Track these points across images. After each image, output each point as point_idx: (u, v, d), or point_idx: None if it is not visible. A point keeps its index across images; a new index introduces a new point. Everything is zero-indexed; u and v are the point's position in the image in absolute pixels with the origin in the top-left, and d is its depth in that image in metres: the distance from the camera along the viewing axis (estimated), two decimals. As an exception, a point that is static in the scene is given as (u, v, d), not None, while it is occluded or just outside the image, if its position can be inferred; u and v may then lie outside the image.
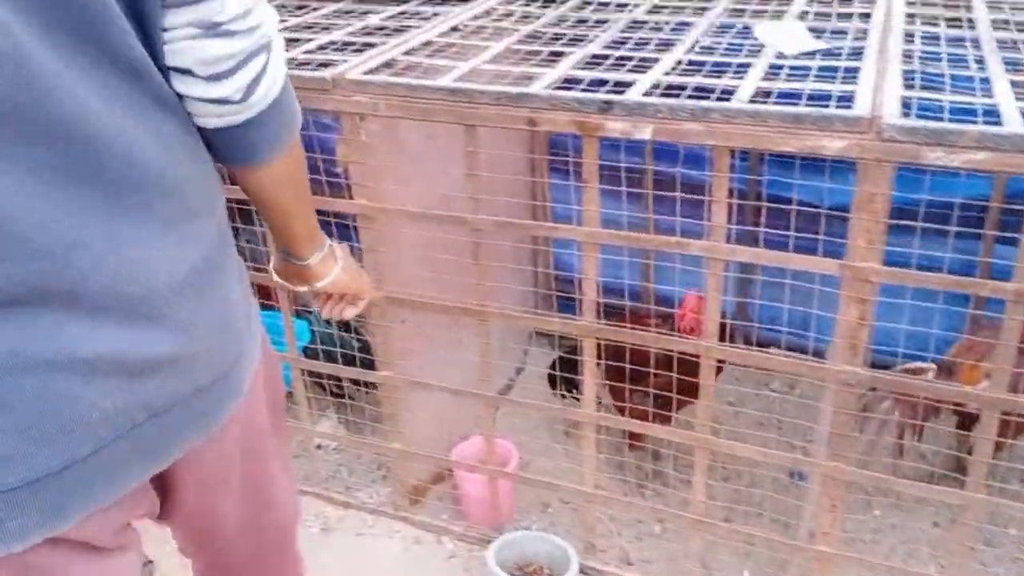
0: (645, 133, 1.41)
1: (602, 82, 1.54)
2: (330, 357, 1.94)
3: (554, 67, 1.61)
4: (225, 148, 0.88)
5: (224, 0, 0.78)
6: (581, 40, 1.81)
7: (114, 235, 0.75)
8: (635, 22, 1.94)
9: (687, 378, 1.67)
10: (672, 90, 1.49)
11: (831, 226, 1.58)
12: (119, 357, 0.77)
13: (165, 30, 0.78)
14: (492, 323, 1.73)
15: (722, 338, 1.55)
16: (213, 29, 0.79)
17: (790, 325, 1.86)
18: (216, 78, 0.81)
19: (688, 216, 1.78)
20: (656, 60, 1.64)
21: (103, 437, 0.78)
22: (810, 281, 1.54)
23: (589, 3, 2.15)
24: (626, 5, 2.11)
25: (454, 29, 1.93)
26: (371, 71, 1.62)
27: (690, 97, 1.43)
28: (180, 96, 0.82)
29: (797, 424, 1.96)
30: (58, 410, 0.75)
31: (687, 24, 1.91)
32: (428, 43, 1.81)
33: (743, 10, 2.00)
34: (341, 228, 1.77)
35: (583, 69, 1.61)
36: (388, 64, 1.68)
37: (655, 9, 2.07)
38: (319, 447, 2.22)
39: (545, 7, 2.13)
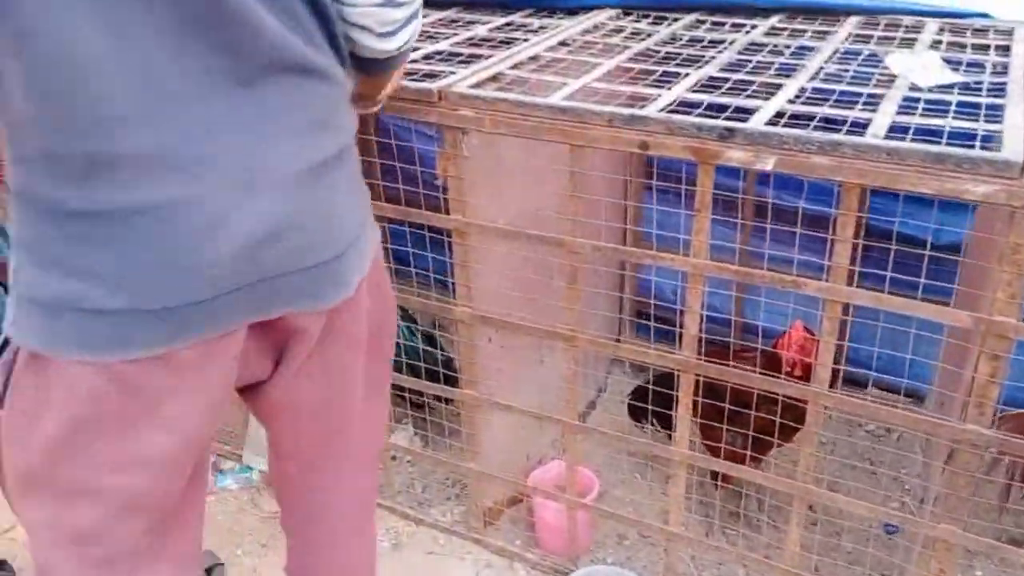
0: (768, 164, 1.33)
1: (720, 107, 1.47)
2: (412, 370, 1.90)
3: (669, 89, 1.54)
4: (366, 66, 1.13)
5: None
6: (696, 61, 1.73)
7: (261, 128, 0.93)
8: (753, 44, 1.86)
9: (786, 421, 1.58)
10: (797, 119, 1.41)
11: (936, 265, 1.47)
12: (251, 222, 0.93)
13: (352, 4, 1.02)
14: (580, 349, 1.66)
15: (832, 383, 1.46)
16: (392, 1, 1.04)
17: (880, 362, 1.76)
18: (387, 35, 1.08)
19: (787, 245, 1.69)
20: (779, 86, 1.55)
21: (220, 288, 0.94)
22: (905, 320, 1.44)
23: (703, 22, 2.07)
24: (743, 26, 2.02)
25: (562, 44, 1.87)
26: (477, 84, 1.58)
27: (818, 128, 1.34)
28: (349, 39, 1.05)
29: (893, 470, 1.84)
30: (195, 259, 0.91)
31: (809, 49, 1.82)
32: (535, 57, 1.76)
33: (868, 36, 1.89)
34: (435, 244, 1.73)
35: (699, 92, 1.53)
36: (495, 78, 1.63)
37: (773, 31, 1.98)
38: (394, 458, 2.18)
39: (656, 24, 2.06)
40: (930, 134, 1.33)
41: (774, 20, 2.07)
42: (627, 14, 2.16)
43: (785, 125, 1.37)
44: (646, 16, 2.13)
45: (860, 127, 1.35)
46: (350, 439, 1.27)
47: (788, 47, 1.84)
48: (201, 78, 0.89)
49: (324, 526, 1.35)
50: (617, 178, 2.22)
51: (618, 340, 2.47)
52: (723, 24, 2.05)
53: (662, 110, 1.44)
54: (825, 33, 1.94)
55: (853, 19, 2.04)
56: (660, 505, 1.96)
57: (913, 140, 1.29)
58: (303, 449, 1.25)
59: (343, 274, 1.06)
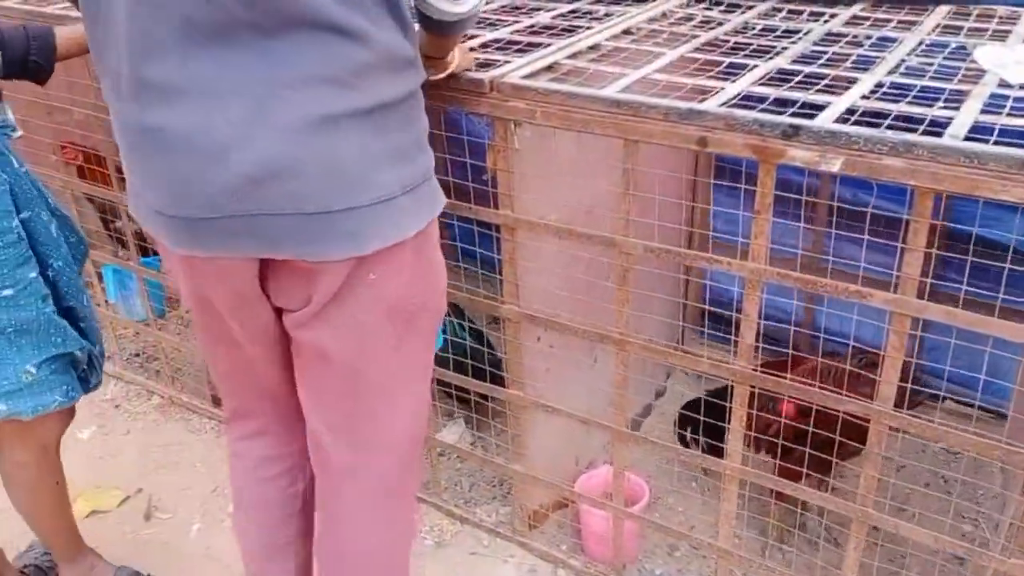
0: (834, 166, 1.23)
1: (788, 102, 1.37)
2: (459, 366, 1.86)
3: (734, 82, 1.45)
4: (433, 27, 1.22)
5: None
6: (767, 52, 1.63)
7: (271, 76, 1.01)
8: (830, 34, 1.74)
9: (848, 441, 1.48)
10: (871, 117, 1.30)
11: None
12: (252, 159, 1.02)
13: None
14: (631, 354, 1.59)
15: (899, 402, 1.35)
16: None
17: (958, 375, 1.63)
18: (457, 2, 1.17)
19: (868, 249, 1.58)
20: (853, 80, 1.44)
21: (222, 211, 1.05)
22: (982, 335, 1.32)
23: (779, 10, 1.96)
24: (821, 15, 1.91)
25: (626, 32, 1.79)
26: (531, 75, 1.51)
27: (892, 127, 1.24)
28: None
29: (968, 492, 1.71)
30: (205, 180, 1.04)
31: (891, 40, 1.69)
32: (596, 47, 1.68)
33: (958, 28, 1.75)
34: (483, 237, 1.68)
35: (766, 85, 1.44)
36: (551, 67, 1.57)
37: (855, 20, 1.86)
38: (441, 455, 2.15)
39: (729, 12, 1.96)
40: (1019, 136, 1.21)
41: (856, 8, 1.94)
42: (699, 1, 2.07)
43: (856, 123, 1.27)
44: (719, 3, 2.03)
45: (939, 127, 1.23)
46: (376, 412, 1.28)
47: (869, 38, 1.72)
48: (225, 26, 0.99)
49: (343, 504, 1.35)
50: (680, 176, 2.13)
51: (678, 345, 2.39)
52: (800, 12, 1.94)
53: (723, 104, 1.35)
54: (911, 23, 1.81)
55: (942, 9, 1.90)
56: (712, 518, 1.87)
57: (997, 142, 1.18)
58: (327, 407, 1.29)
59: (354, 231, 1.09)
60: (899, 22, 1.83)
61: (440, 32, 1.24)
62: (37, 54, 1.58)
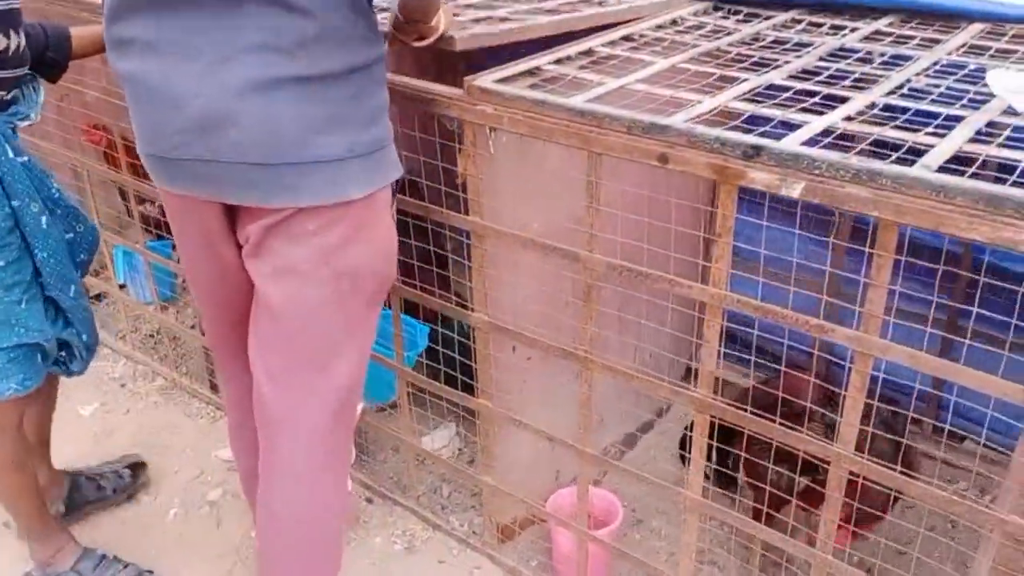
0: (794, 191, 1.15)
1: (764, 119, 1.29)
2: (431, 372, 1.82)
3: (713, 95, 1.37)
4: None
5: None
6: (766, 65, 1.55)
7: (226, 40, 1.15)
8: (843, 49, 1.64)
9: (811, 483, 1.39)
10: (848, 141, 1.21)
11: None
12: (201, 108, 1.18)
13: None
14: (595, 373, 1.52)
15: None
16: None
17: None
18: None
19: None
20: (844, 100, 1.35)
21: (181, 153, 1.22)
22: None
23: (799, 21, 1.86)
24: (842, 28, 1.80)
25: (626, 39, 1.72)
26: (506, 79, 1.46)
27: (867, 152, 1.15)
28: None
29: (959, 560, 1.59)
30: (167, 123, 1.21)
31: (905, 58, 1.58)
32: (588, 52, 1.62)
33: (985, 49, 1.63)
34: (456, 243, 1.63)
35: (748, 101, 1.36)
36: (532, 72, 1.51)
37: (875, 36, 1.75)
38: (422, 461, 2.12)
39: (744, 22, 1.87)
40: (1004, 169, 1.11)
41: (883, 23, 1.83)
42: (717, 9, 1.98)
43: (829, 146, 1.19)
44: (736, 12, 1.94)
45: (916, 155, 1.14)
46: (313, 363, 1.35)
47: (883, 55, 1.61)
48: None
49: (277, 458, 1.41)
50: (697, 197, 2.04)
51: (689, 364, 2.30)
52: (820, 25, 1.83)
53: (693, 119, 1.27)
54: (935, 41, 1.70)
55: (975, 27, 1.77)
56: (703, 543, 1.79)
57: (976, 175, 1.08)
58: (268, 354, 1.37)
59: (292, 184, 1.20)
60: (923, 40, 1.71)
61: None
62: (54, 51, 1.62)
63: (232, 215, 1.31)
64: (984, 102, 1.34)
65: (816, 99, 1.37)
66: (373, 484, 2.08)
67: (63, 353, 1.70)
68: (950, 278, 1.92)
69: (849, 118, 1.28)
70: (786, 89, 1.42)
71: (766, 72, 1.49)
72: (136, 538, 1.96)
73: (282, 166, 1.19)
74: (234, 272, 1.38)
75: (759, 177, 1.18)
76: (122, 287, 2.65)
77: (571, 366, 1.55)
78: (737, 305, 1.29)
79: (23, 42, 1.50)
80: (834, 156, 1.12)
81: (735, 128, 1.24)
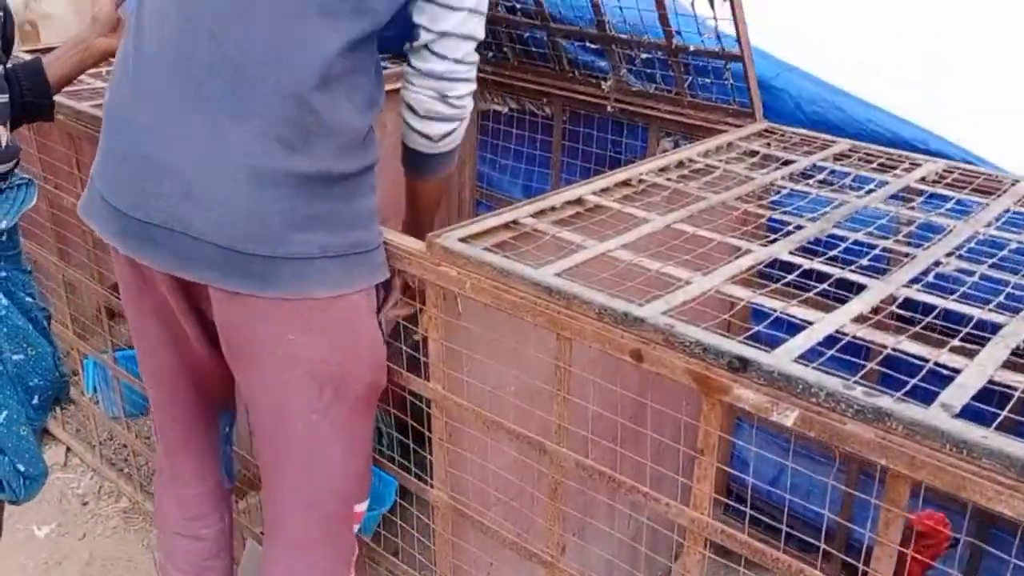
0: (787, 419, 0.95)
1: (764, 314, 1.10)
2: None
3: (709, 272, 1.19)
4: (408, 160, 1.37)
5: None
6: (776, 229, 1.37)
7: (221, 128, 1.15)
8: (861, 213, 1.45)
9: None
10: (857, 352, 1.02)
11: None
12: (191, 180, 1.16)
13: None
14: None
15: None
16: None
17: None
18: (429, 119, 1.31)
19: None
20: (860, 288, 1.16)
21: (152, 216, 1.19)
22: None
23: (820, 169, 1.68)
24: (870, 181, 1.61)
25: (624, 184, 1.56)
26: (475, 236, 1.30)
27: (877, 374, 0.95)
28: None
29: None
30: (147, 180, 1.19)
31: (936, 230, 1.39)
32: (577, 201, 1.45)
33: (1030, 218, 1.43)
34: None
35: (743, 284, 1.17)
36: (508, 226, 1.35)
37: (905, 194, 1.56)
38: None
39: (759, 167, 1.69)
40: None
41: (918, 175, 1.63)
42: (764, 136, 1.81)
43: (835, 357, 0.99)
44: (754, 152, 1.76)
45: (939, 380, 0.94)
46: (298, 471, 1.33)
47: (911, 222, 1.42)
48: (216, 61, 1.16)
49: (264, 561, 1.44)
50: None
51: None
52: (846, 176, 1.64)
53: (676, 309, 1.09)
54: (976, 206, 1.50)
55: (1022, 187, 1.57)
56: None
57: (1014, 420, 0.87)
58: (258, 452, 1.39)
59: (260, 274, 1.17)
60: (956, 205, 1.51)
61: (412, 168, 1.37)
62: (33, 93, 1.51)
63: (187, 293, 1.28)
64: (1027, 300, 1.14)
65: (828, 283, 1.19)
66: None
67: None
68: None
69: (861, 318, 1.08)
70: (792, 268, 1.23)
71: (772, 241, 1.31)
72: None
73: (253, 256, 1.16)
74: (187, 347, 1.36)
75: (747, 396, 0.98)
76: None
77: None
78: (721, 537, 1.08)
79: (3, 139, 1.42)
80: (834, 384, 0.92)
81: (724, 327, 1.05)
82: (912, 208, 1.49)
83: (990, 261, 1.26)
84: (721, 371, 1.00)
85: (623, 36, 2.05)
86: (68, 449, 2.51)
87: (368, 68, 1.21)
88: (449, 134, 1.30)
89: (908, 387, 0.94)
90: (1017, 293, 1.17)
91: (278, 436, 1.32)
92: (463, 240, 1.28)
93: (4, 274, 1.53)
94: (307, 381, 1.25)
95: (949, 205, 1.51)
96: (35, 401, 1.58)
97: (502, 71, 2.39)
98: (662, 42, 1.98)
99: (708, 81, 1.96)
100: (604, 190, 1.51)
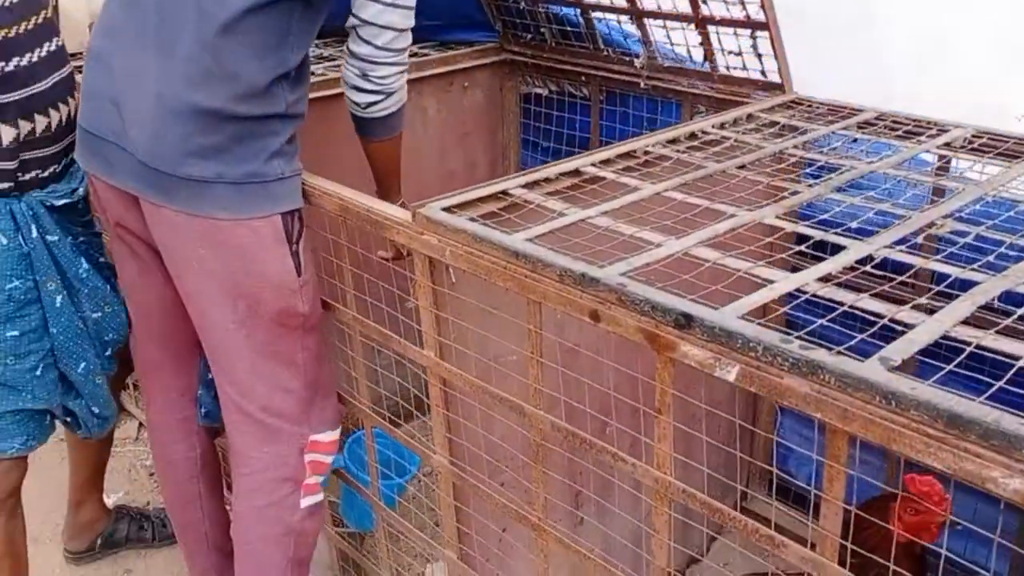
0: (729, 374, 0.94)
1: (726, 274, 1.09)
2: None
3: (679, 237, 1.18)
4: (358, 127, 1.55)
5: None
6: (771, 196, 1.34)
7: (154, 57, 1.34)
8: (867, 178, 1.40)
9: None
10: (821, 307, 1.00)
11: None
12: (120, 103, 1.37)
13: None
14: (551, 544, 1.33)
15: None
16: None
17: None
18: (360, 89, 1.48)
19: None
20: (839, 249, 1.13)
21: (104, 133, 1.40)
22: None
23: (840, 137, 1.62)
24: (886, 148, 1.55)
25: (628, 155, 1.55)
26: (463, 205, 1.33)
27: (817, 335, 0.93)
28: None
29: None
30: (98, 107, 1.41)
31: (945, 192, 1.33)
32: (573, 172, 1.46)
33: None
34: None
35: (715, 247, 1.15)
36: (497, 196, 1.37)
37: (919, 159, 1.50)
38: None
39: (775, 137, 1.65)
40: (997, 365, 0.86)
41: (941, 140, 1.56)
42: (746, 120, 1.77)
43: (780, 319, 0.97)
44: (775, 123, 1.72)
45: (886, 336, 0.91)
46: (221, 370, 1.49)
47: (914, 185, 1.36)
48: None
49: (230, 454, 1.58)
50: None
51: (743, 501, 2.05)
52: (854, 143, 1.58)
53: (637, 270, 1.09)
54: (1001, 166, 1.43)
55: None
56: None
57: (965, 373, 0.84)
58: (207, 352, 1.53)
59: (165, 187, 1.34)
60: (1000, 154, 1.44)
61: (363, 134, 1.53)
62: None
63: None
64: (1020, 260, 1.08)
65: (805, 245, 1.16)
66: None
67: (69, 419, 1.78)
68: None
69: (827, 277, 1.05)
70: (773, 230, 1.21)
71: (762, 207, 1.28)
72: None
73: (160, 173, 1.33)
74: (154, 278, 1.54)
75: (692, 353, 0.97)
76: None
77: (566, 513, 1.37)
78: (682, 496, 1.07)
79: (64, 117, 1.60)
80: (772, 337, 0.91)
81: (679, 285, 1.05)
82: (925, 172, 1.43)
83: (990, 223, 1.20)
84: (668, 329, 0.99)
85: (652, 9, 2.04)
86: (140, 424, 2.67)
87: (282, 32, 1.34)
88: (373, 104, 1.45)
89: (856, 341, 0.91)
90: (1011, 253, 1.12)
91: (207, 347, 1.49)
92: (447, 210, 1.31)
93: (83, 239, 1.72)
94: (222, 295, 1.40)
95: (971, 165, 1.44)
96: (108, 353, 1.80)
97: (540, 53, 2.40)
98: (689, 13, 1.95)
99: (737, 53, 1.92)
100: (605, 161, 1.51)
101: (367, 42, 1.39)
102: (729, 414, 1.79)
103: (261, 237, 1.38)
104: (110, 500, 2.39)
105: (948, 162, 1.50)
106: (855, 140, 1.61)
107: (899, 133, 1.63)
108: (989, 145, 1.53)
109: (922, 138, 1.59)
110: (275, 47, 1.34)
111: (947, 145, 1.55)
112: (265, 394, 1.48)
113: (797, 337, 0.91)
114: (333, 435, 1.56)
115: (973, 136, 1.58)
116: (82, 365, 1.72)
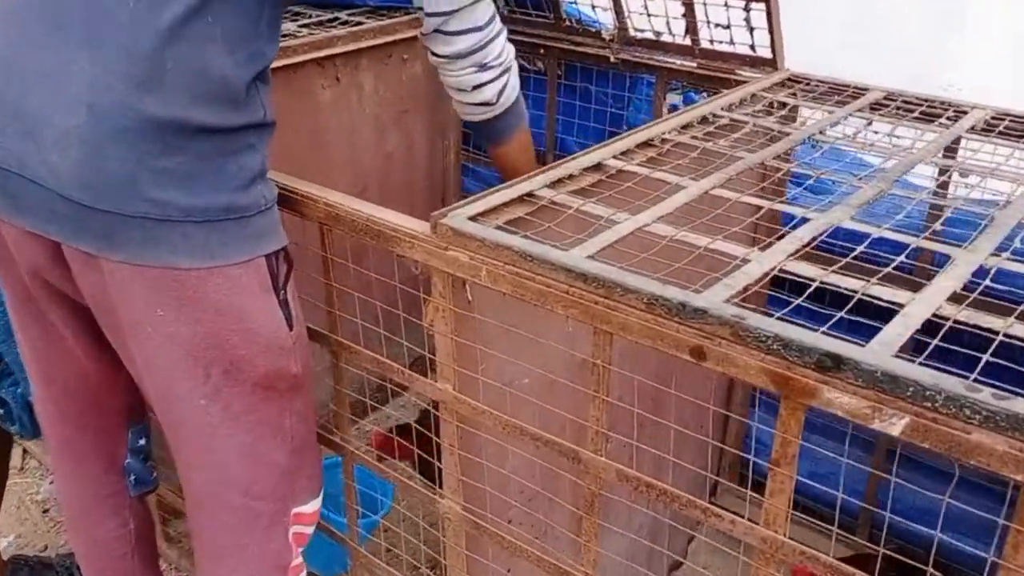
0: (894, 427, 0.79)
1: (840, 297, 0.93)
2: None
3: (765, 247, 1.01)
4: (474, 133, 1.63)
5: None
6: (826, 191, 1.19)
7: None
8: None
9: None
10: (949, 340, 0.86)
11: None
12: (24, 120, 1.00)
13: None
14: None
15: None
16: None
17: None
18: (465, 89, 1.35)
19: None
20: (929, 275, 0.99)
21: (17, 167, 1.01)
22: None
23: (885, 105, 1.50)
24: (912, 131, 1.44)
25: (647, 144, 1.37)
26: (488, 212, 1.11)
27: (986, 374, 0.79)
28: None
29: None
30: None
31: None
32: (596, 167, 1.27)
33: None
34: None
35: (808, 259, 0.99)
36: (523, 199, 1.16)
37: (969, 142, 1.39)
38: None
39: (790, 119, 1.51)
40: None
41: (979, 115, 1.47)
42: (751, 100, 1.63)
43: (937, 349, 0.83)
44: (812, 91, 1.58)
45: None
46: (186, 458, 1.19)
47: (973, 186, 1.25)
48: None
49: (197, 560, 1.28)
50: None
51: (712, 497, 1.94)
52: (912, 109, 1.47)
53: (739, 295, 0.91)
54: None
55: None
56: None
57: None
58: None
59: (107, 232, 1.00)
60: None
61: (492, 141, 1.40)
62: None
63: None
64: None
65: (904, 256, 1.02)
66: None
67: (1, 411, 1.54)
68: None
69: (956, 298, 0.91)
70: (860, 237, 1.06)
71: (829, 208, 1.13)
72: None
73: (95, 211, 0.99)
74: (63, 345, 1.22)
75: (840, 400, 0.81)
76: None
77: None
78: (800, 557, 0.92)
79: None
80: (954, 385, 0.76)
81: (800, 311, 0.88)
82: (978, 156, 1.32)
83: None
84: (807, 371, 0.83)
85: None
86: (24, 451, 2.30)
87: (250, 12, 1.04)
88: (503, 90, 1.32)
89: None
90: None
91: (170, 427, 1.17)
92: (473, 219, 1.09)
93: None
94: (187, 364, 1.08)
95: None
96: None
97: (487, 23, 2.18)
98: (670, -18, 1.78)
99: (726, 26, 1.77)
100: (625, 153, 1.33)
101: (466, 31, 1.25)
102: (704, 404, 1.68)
103: (242, 287, 1.07)
104: (0, 548, 2.04)
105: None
106: (869, 122, 1.49)
107: (916, 115, 1.52)
108: (1014, 128, 1.45)
109: (943, 120, 1.49)
110: (248, 35, 1.04)
111: (971, 129, 1.45)
112: (246, 476, 1.17)
113: (976, 380, 0.76)
114: (316, 503, 1.27)
115: (994, 118, 1.50)
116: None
